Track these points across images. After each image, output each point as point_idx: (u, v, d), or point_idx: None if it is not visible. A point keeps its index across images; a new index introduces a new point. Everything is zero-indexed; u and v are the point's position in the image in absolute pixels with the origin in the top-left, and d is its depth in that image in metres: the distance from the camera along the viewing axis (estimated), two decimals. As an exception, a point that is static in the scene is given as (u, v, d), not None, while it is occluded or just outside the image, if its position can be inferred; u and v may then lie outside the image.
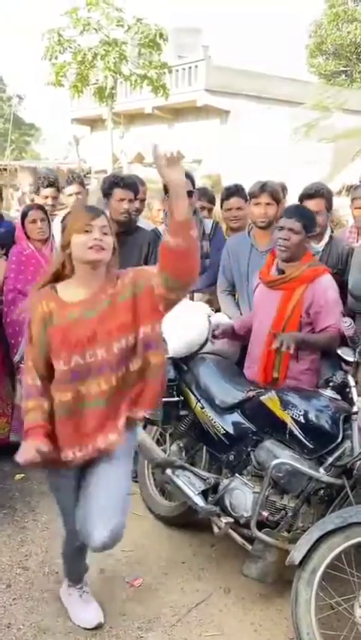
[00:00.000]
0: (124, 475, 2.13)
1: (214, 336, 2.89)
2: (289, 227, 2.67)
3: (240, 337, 2.98)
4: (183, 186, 1.88)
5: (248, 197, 3.30)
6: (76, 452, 2.05)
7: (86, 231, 1.99)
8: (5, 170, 11.98)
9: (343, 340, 2.62)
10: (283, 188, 3.95)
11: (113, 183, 3.29)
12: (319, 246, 3.30)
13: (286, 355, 2.65)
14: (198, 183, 4.36)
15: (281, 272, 2.77)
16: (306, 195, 3.33)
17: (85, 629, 2.29)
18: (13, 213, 4.93)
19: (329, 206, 3.30)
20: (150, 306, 2.00)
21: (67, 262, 2.05)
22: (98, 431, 2.03)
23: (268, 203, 3.12)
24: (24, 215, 3.50)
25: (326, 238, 3.32)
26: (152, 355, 2.04)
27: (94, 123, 18.50)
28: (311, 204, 3.24)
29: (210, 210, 4.15)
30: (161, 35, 10.61)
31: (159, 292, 1.97)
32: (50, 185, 3.90)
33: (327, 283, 2.72)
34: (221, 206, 3.79)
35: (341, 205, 5.96)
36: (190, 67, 15.80)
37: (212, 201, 4.20)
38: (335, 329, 2.62)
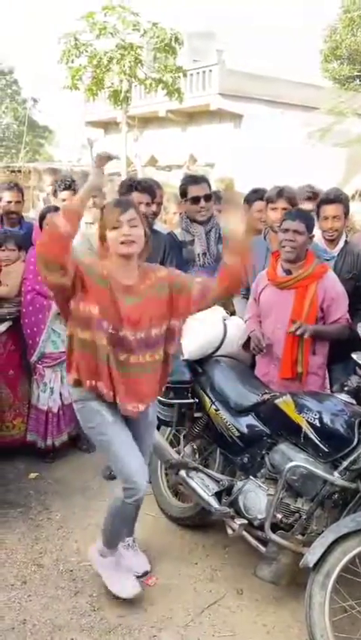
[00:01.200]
0: (150, 432, 2.54)
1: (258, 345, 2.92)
2: (295, 229, 2.81)
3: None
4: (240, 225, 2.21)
5: (265, 202, 3.33)
6: (116, 396, 2.26)
7: (116, 227, 2.18)
8: (20, 171, 12.10)
9: (359, 345, 2.64)
10: (316, 194, 3.92)
11: (131, 187, 3.33)
12: (334, 251, 3.32)
13: (306, 350, 2.81)
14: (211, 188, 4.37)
15: (288, 272, 2.90)
16: (325, 200, 3.36)
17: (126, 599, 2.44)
18: (33, 214, 4.98)
19: (346, 212, 3.33)
20: (185, 305, 2.28)
21: (106, 253, 2.26)
22: (139, 396, 2.29)
23: (284, 209, 3.15)
24: (42, 218, 3.54)
25: (341, 243, 3.34)
26: (170, 345, 2.33)
27: (108, 126, 18.60)
28: (331, 209, 3.27)
29: None
30: (176, 39, 10.65)
31: (195, 300, 2.27)
32: (67, 187, 3.93)
33: (334, 278, 2.94)
34: (249, 208, 3.80)
35: (356, 210, 5.95)
36: (204, 72, 15.84)
37: None
38: (345, 320, 2.88)
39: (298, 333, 2.72)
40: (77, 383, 2.30)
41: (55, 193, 3.99)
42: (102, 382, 2.24)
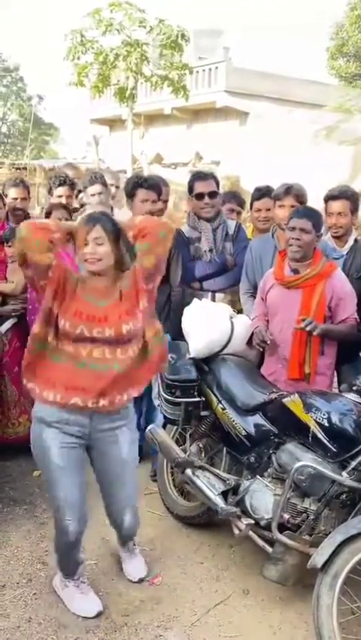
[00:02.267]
0: (134, 459, 2.42)
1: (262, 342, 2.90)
2: (301, 227, 2.77)
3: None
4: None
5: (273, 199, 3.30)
6: (77, 401, 2.18)
7: (85, 244, 2.16)
8: (25, 168, 12.11)
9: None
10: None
11: (137, 184, 3.31)
12: (343, 250, 3.30)
13: (314, 351, 2.76)
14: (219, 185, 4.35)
15: (295, 271, 2.85)
16: (331, 197, 3.33)
17: (87, 617, 2.34)
18: (38, 211, 4.96)
19: (354, 209, 3.30)
20: (138, 283, 2.21)
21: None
22: (89, 391, 2.18)
23: (292, 206, 3.12)
24: (47, 215, 3.52)
25: (351, 242, 3.31)
26: (150, 327, 2.27)
27: (113, 123, 18.58)
28: (336, 206, 3.25)
29: (238, 213, 4.16)
30: (183, 36, 10.63)
31: (140, 263, 2.21)
32: (62, 184, 3.88)
33: (342, 276, 2.89)
34: (251, 207, 3.80)
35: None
36: (210, 69, 15.79)
37: (242, 205, 4.22)
38: (353, 319, 2.83)
39: (307, 329, 2.68)
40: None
41: (50, 190, 3.94)
42: (52, 388, 2.19)
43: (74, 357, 2.18)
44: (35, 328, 2.23)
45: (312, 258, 2.85)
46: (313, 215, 2.84)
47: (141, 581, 2.57)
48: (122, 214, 3.54)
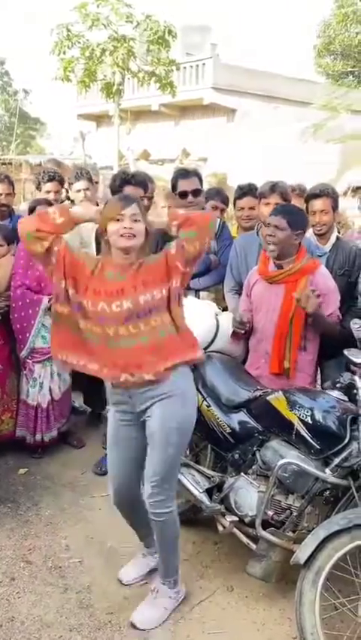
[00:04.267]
0: (166, 430, 2.25)
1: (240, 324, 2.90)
2: (274, 225, 2.78)
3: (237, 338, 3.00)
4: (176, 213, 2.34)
5: (258, 197, 3.30)
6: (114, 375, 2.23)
7: (118, 220, 2.19)
8: (10, 164, 11.99)
9: (350, 341, 2.64)
10: (303, 191, 3.94)
11: (125, 180, 3.29)
12: (326, 247, 3.31)
13: (294, 346, 2.77)
14: (204, 182, 4.35)
15: (280, 268, 2.87)
16: (312, 195, 3.35)
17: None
18: (24, 207, 4.91)
19: (335, 206, 3.32)
20: (171, 266, 2.23)
21: (106, 246, 2.27)
22: (132, 366, 2.21)
23: (277, 204, 3.12)
24: (32, 211, 3.49)
25: (333, 239, 3.33)
26: (175, 309, 2.26)
27: (100, 119, 18.47)
28: (318, 204, 3.27)
29: (222, 210, 4.15)
30: (170, 32, 10.57)
31: (176, 252, 2.23)
32: (51, 179, 3.86)
33: (326, 273, 2.90)
34: (234, 205, 3.80)
35: (348, 206, 5.95)
36: (198, 65, 15.77)
37: (225, 202, 4.21)
38: (336, 316, 2.83)
39: (301, 303, 2.66)
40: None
41: (38, 186, 3.92)
42: (86, 358, 2.27)
43: (104, 337, 2.22)
44: (58, 308, 2.27)
45: (295, 255, 2.84)
46: (289, 213, 2.83)
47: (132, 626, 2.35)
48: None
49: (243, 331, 2.90)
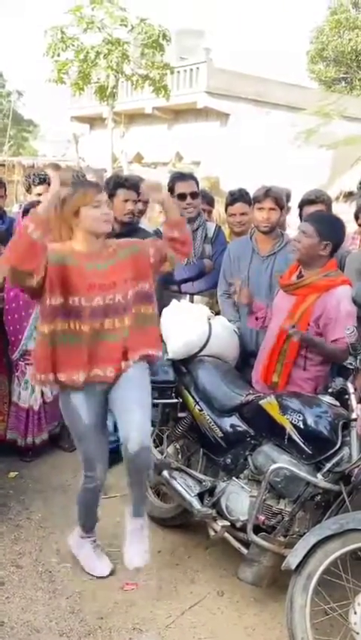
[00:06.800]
0: (147, 390, 2.42)
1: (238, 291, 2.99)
2: (302, 230, 2.70)
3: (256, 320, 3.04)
4: (170, 200, 2.57)
5: (252, 202, 3.32)
6: (82, 375, 2.32)
7: (96, 206, 2.28)
8: (3, 165, 11.95)
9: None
10: (288, 195, 3.98)
11: (118, 184, 3.30)
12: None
13: (288, 361, 2.69)
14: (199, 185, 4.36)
15: (301, 277, 2.75)
16: (307, 201, 3.36)
17: (98, 577, 2.57)
18: (16, 209, 4.90)
19: (328, 212, 3.34)
20: (145, 267, 2.42)
21: (66, 231, 2.33)
22: (111, 360, 2.34)
23: (271, 209, 3.14)
24: (25, 214, 3.46)
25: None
26: (144, 307, 2.41)
27: (93, 121, 18.46)
28: (311, 210, 3.28)
29: (209, 213, 4.16)
30: (164, 36, 10.61)
31: (153, 261, 2.44)
32: (42, 182, 3.85)
33: (341, 295, 2.63)
34: (225, 211, 3.81)
35: (341, 211, 5.98)
36: (192, 69, 15.79)
37: (211, 203, 4.22)
38: (344, 343, 2.45)
39: (289, 332, 2.56)
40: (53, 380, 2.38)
41: (29, 188, 3.90)
42: (66, 370, 2.32)
43: (88, 334, 2.30)
44: (45, 329, 2.31)
45: (320, 268, 2.68)
46: (320, 221, 2.70)
47: (112, 573, 2.59)
48: None
49: (246, 301, 2.97)
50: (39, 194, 3.83)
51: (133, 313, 2.37)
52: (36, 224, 2.16)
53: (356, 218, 3.58)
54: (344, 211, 6.66)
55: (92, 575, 2.59)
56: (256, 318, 3.00)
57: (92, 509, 2.62)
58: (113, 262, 2.36)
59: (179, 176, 3.46)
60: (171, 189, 3.42)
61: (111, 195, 3.30)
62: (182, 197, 3.35)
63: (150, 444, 2.42)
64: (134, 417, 2.29)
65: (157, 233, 3.37)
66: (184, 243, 2.49)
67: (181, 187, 3.37)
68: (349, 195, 9.42)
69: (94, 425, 2.43)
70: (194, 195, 3.37)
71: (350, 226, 4.31)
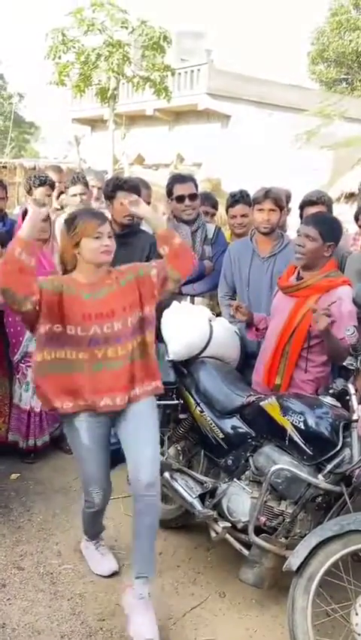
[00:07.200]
0: (157, 427, 2.45)
1: (236, 310, 2.94)
2: (305, 234, 2.66)
3: (256, 331, 3.00)
4: (152, 214, 2.49)
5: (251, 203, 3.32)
6: (72, 404, 2.31)
7: (97, 237, 2.27)
8: (5, 167, 11.97)
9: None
10: (288, 196, 3.99)
11: (117, 186, 3.30)
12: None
13: (290, 363, 2.69)
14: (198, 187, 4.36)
15: (301, 280, 2.74)
16: (308, 202, 3.36)
17: (102, 576, 2.60)
18: (18, 211, 4.91)
19: (330, 213, 3.33)
20: (150, 290, 2.37)
21: (70, 259, 2.35)
22: (118, 389, 2.31)
23: (271, 210, 3.14)
24: (25, 215, 3.46)
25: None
26: (148, 332, 2.39)
27: (94, 123, 18.48)
28: (312, 211, 3.28)
29: (212, 215, 4.17)
30: (165, 38, 10.59)
31: (156, 281, 2.36)
32: (42, 184, 3.86)
33: (343, 295, 2.63)
34: (226, 212, 3.81)
35: (341, 212, 5.99)
36: (193, 71, 15.80)
37: (215, 206, 4.22)
38: (346, 342, 2.46)
39: (318, 315, 2.46)
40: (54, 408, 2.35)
41: (30, 190, 3.90)
42: (70, 397, 2.31)
43: (89, 361, 2.28)
44: (39, 357, 2.29)
45: (320, 269, 2.68)
46: (323, 223, 2.70)
47: (115, 573, 2.61)
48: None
49: (244, 317, 2.91)
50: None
51: (137, 340, 2.35)
52: (21, 247, 2.13)
53: (357, 219, 3.58)
54: (345, 212, 6.67)
55: (97, 575, 2.62)
56: (257, 329, 2.96)
57: (96, 522, 2.65)
58: (113, 289, 2.32)
59: (177, 178, 3.46)
60: (169, 191, 3.43)
61: (110, 197, 3.30)
62: (180, 199, 3.35)
63: (159, 480, 2.37)
64: (146, 453, 2.30)
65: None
66: (177, 256, 2.36)
67: (180, 189, 3.37)
68: (350, 196, 9.42)
69: (96, 449, 2.40)
70: (193, 197, 3.37)
71: (351, 227, 4.32)
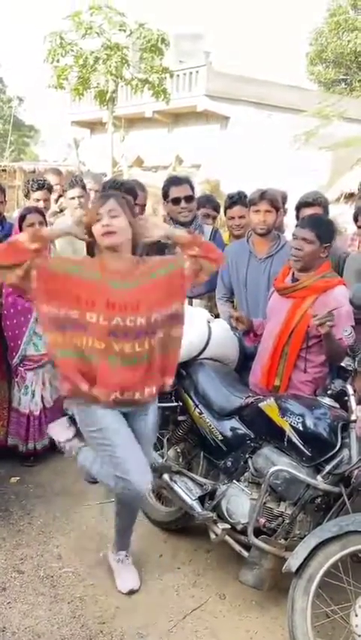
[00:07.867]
0: (154, 439, 2.52)
1: (236, 320, 2.91)
2: (302, 237, 2.66)
3: (254, 337, 2.98)
4: (172, 231, 2.37)
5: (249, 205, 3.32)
6: (110, 395, 2.22)
7: (98, 220, 2.17)
8: (4, 171, 12.00)
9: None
10: (284, 197, 3.99)
11: (113, 188, 3.30)
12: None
13: (289, 363, 2.69)
14: (197, 189, 4.36)
15: (296, 281, 2.75)
16: (304, 203, 3.36)
17: (123, 593, 2.54)
18: (17, 215, 4.91)
19: (326, 215, 3.33)
20: (181, 285, 2.29)
21: (97, 250, 2.27)
22: (133, 385, 2.25)
23: (267, 211, 3.14)
24: (22, 219, 3.46)
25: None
26: (174, 329, 2.31)
27: (93, 126, 18.50)
28: (309, 212, 3.28)
29: (214, 218, 4.17)
30: (163, 40, 10.61)
31: (188, 274, 2.27)
32: (40, 187, 3.86)
33: (339, 296, 2.65)
34: (225, 214, 3.82)
35: (340, 213, 5.99)
36: (191, 73, 15.81)
37: (217, 209, 4.23)
38: (344, 343, 2.52)
39: (316, 322, 2.45)
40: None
41: (28, 194, 3.91)
42: (84, 380, 2.21)
43: (106, 353, 2.18)
44: (53, 339, 2.20)
45: (316, 270, 2.69)
46: (319, 225, 2.71)
47: (131, 592, 2.52)
48: None
49: (243, 326, 2.88)
50: (37, 200, 3.85)
51: (160, 337, 2.25)
52: (32, 239, 2.11)
53: (356, 219, 3.58)
54: (345, 212, 6.67)
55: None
56: (255, 335, 2.95)
57: (131, 527, 2.60)
58: (143, 282, 2.22)
59: (173, 181, 3.47)
60: (165, 194, 3.43)
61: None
62: (176, 201, 3.35)
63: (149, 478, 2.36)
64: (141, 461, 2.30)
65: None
66: (209, 250, 2.30)
67: (175, 191, 3.37)
68: (350, 196, 9.42)
69: (124, 430, 2.29)
70: (188, 199, 3.37)
71: (350, 227, 4.32)
